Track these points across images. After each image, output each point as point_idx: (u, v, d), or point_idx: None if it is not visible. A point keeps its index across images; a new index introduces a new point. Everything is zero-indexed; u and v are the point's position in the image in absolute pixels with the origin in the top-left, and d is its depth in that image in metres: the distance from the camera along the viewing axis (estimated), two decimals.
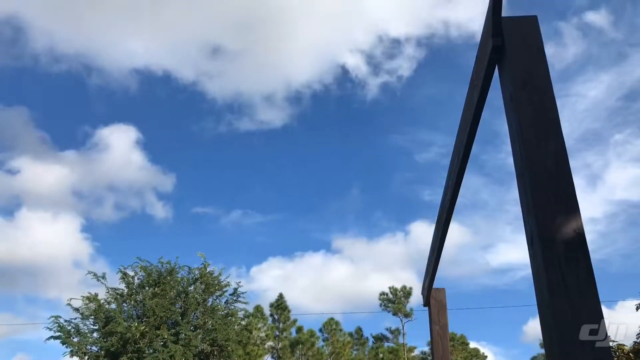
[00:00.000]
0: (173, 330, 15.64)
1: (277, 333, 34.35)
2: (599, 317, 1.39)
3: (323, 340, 35.60)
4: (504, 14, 1.87)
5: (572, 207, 1.55)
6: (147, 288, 16.33)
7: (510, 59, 1.82)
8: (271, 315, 34.98)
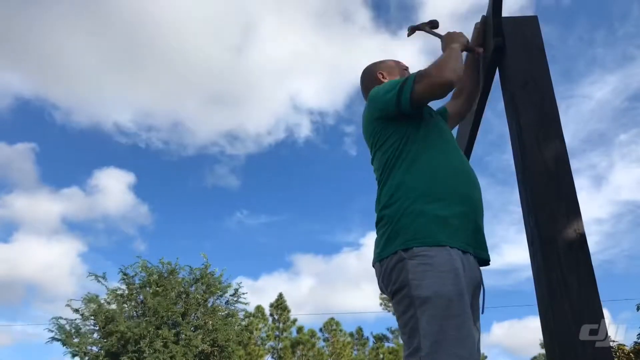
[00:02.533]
0: (174, 331, 15.66)
1: (277, 333, 34.38)
2: (599, 317, 1.40)
3: (324, 341, 35.64)
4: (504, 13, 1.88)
5: (572, 207, 1.55)
6: (147, 288, 16.35)
7: (511, 59, 1.82)
8: (271, 315, 35.00)
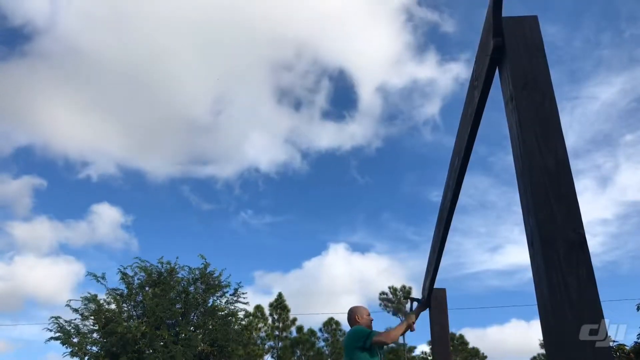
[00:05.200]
0: (173, 331, 15.65)
1: (277, 333, 34.32)
2: (599, 317, 1.39)
3: (323, 341, 35.60)
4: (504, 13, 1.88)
5: (572, 207, 1.55)
6: (147, 288, 16.33)
7: (511, 59, 1.82)
8: (270, 315, 34.96)
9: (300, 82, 53.13)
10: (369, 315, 4.15)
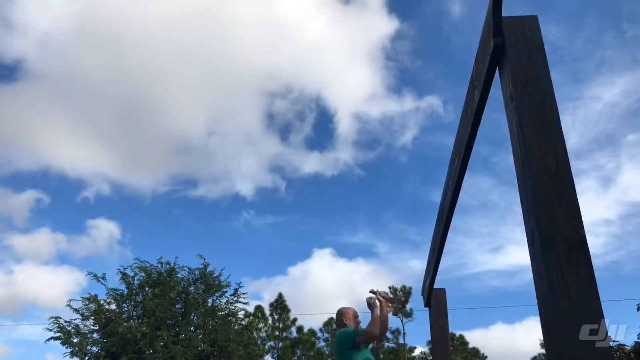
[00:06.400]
0: (173, 331, 15.64)
1: (277, 333, 34.32)
2: (599, 317, 1.39)
3: (323, 341, 35.60)
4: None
5: (572, 207, 1.55)
6: (147, 289, 16.32)
7: (511, 59, 1.82)
8: (271, 315, 34.96)
9: (286, 110, 54.44)
10: (357, 317, 4.17)
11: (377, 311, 3.84)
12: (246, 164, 58.65)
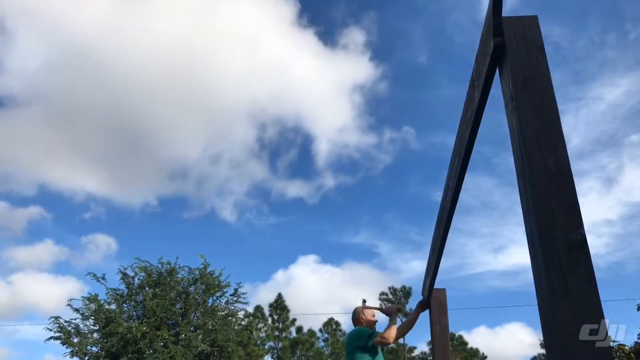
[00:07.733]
0: (173, 331, 15.65)
1: (277, 333, 34.32)
2: (599, 317, 1.39)
3: (323, 341, 35.59)
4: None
5: (572, 207, 1.55)
6: (147, 289, 16.32)
7: (511, 59, 1.82)
8: (270, 315, 34.96)
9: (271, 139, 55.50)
10: (373, 316, 4.15)
11: (396, 319, 3.97)
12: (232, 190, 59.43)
